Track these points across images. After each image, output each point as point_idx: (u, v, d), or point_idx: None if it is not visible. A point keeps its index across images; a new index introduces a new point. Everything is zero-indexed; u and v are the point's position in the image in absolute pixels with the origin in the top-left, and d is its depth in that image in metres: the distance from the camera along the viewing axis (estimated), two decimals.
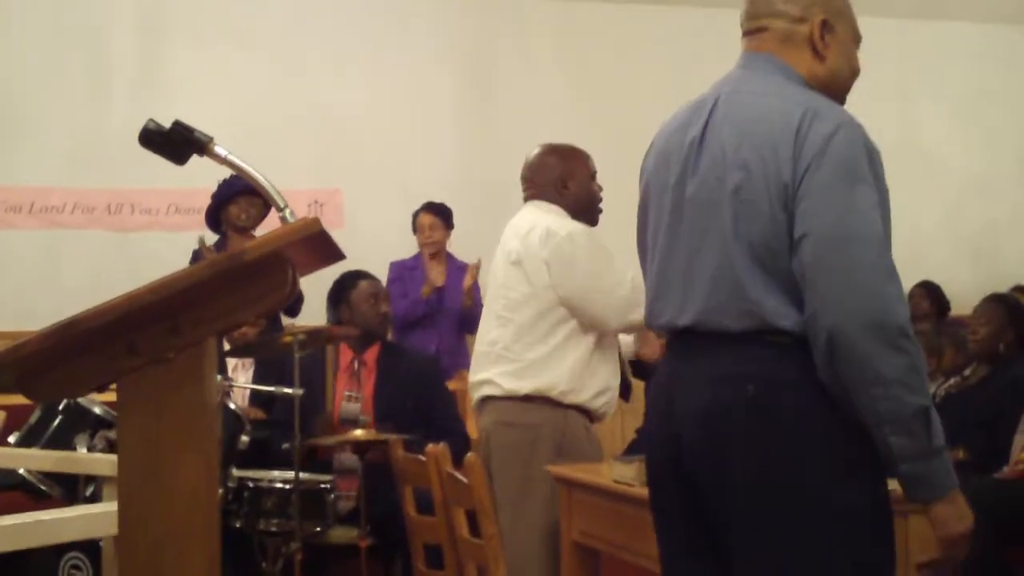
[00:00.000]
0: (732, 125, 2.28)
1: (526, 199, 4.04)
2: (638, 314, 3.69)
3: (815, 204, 2.15)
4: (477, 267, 6.57)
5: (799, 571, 2.19)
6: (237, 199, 5.97)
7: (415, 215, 6.87)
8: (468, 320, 6.73)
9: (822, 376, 2.15)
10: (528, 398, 3.81)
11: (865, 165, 2.19)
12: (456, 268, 6.82)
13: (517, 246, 3.87)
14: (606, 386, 3.86)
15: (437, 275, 6.72)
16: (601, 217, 4.07)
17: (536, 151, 4.08)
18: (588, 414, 3.86)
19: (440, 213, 6.84)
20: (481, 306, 6.61)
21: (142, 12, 7.20)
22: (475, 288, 6.64)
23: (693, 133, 2.35)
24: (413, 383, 5.05)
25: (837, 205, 2.15)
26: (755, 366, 2.20)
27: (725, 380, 2.23)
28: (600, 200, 4.04)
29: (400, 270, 6.74)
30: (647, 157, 2.53)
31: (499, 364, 3.88)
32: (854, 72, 2.44)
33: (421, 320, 6.60)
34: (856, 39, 2.44)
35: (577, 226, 3.87)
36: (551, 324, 3.81)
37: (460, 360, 6.53)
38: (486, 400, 3.93)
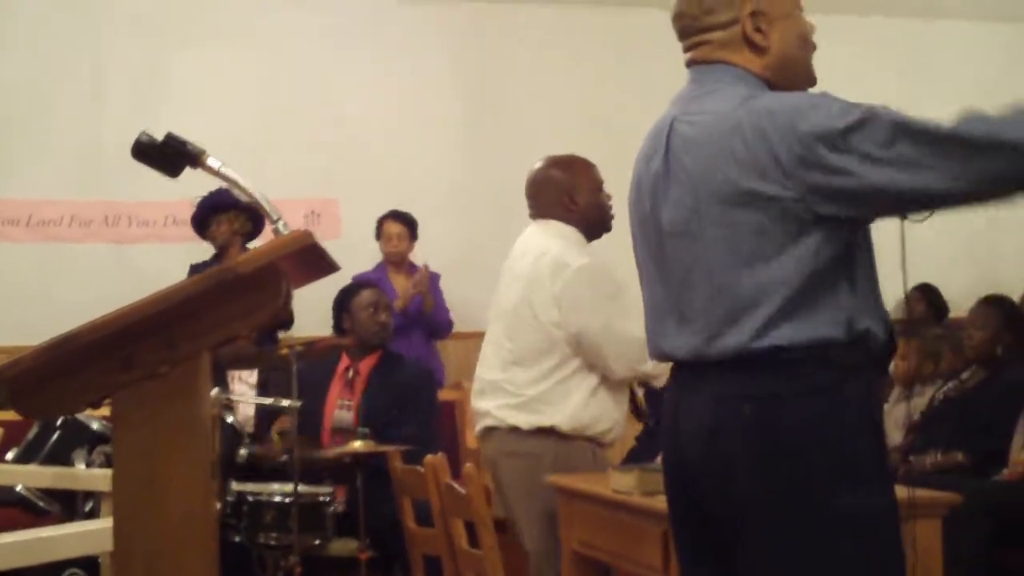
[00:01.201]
0: (691, 152, 2.24)
1: (532, 216, 3.92)
2: (648, 365, 3.67)
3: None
4: (424, 273, 6.56)
5: None
6: (215, 216, 5.97)
7: (380, 222, 6.83)
8: (433, 327, 6.74)
9: None
10: (531, 432, 3.76)
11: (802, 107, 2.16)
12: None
13: (527, 272, 3.77)
14: (612, 423, 3.80)
15: (402, 283, 6.70)
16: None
17: (538, 166, 3.95)
18: (595, 441, 3.82)
19: (407, 222, 6.82)
20: (444, 310, 6.69)
21: (139, 24, 7.18)
22: (435, 292, 6.66)
23: (656, 163, 2.32)
24: (400, 393, 5.04)
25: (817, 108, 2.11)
26: (751, 386, 2.18)
27: (723, 401, 2.22)
28: (610, 209, 3.90)
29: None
30: (630, 193, 2.48)
31: (499, 396, 3.80)
32: (803, 38, 2.34)
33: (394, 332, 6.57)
34: (799, 3, 2.35)
35: (587, 258, 3.75)
36: (554, 359, 3.73)
37: (434, 366, 6.52)
38: (489, 430, 3.86)
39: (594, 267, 3.73)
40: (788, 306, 2.16)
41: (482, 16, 7.70)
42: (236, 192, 2.08)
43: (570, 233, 3.82)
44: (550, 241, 3.78)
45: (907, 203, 2.13)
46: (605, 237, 3.96)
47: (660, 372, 3.68)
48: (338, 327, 5.27)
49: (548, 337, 3.72)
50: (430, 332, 6.79)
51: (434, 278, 6.80)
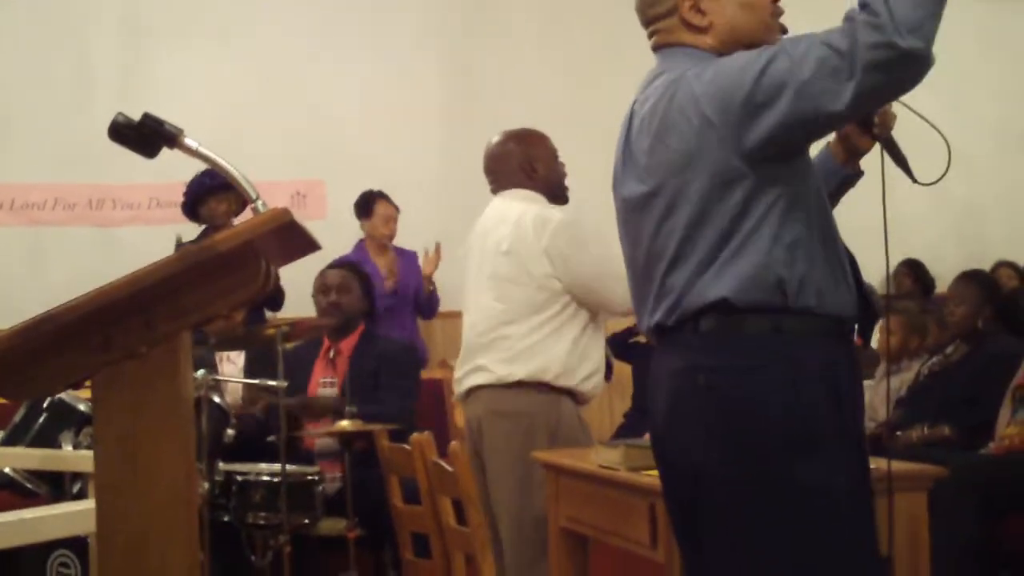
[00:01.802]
0: (641, 132, 2.32)
1: (495, 191, 4.01)
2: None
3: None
4: (437, 250, 6.56)
5: (769, 552, 2.18)
6: (208, 197, 5.95)
7: (371, 202, 6.80)
8: (426, 307, 6.74)
9: None
10: (520, 384, 3.78)
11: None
12: (404, 257, 6.79)
13: (507, 234, 3.83)
14: (596, 368, 3.87)
15: (384, 265, 6.69)
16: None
17: (495, 140, 4.06)
18: (576, 397, 3.84)
19: (393, 204, 6.82)
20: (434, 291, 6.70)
21: (125, 11, 7.16)
22: (409, 270, 6.67)
23: (619, 146, 2.41)
24: (378, 366, 5.07)
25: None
26: (704, 355, 2.22)
27: (678, 373, 2.26)
28: (565, 178, 4.03)
29: None
30: None
31: (492, 351, 3.84)
32: (754, 6, 2.35)
33: (381, 313, 6.55)
34: None
35: (565, 213, 3.87)
36: (546, 311, 3.80)
37: (421, 350, 6.52)
38: (474, 390, 3.88)
39: (572, 219, 3.86)
40: (729, 271, 2.18)
41: (471, 10, 7.69)
42: (216, 170, 2.07)
43: (538, 197, 3.93)
44: (524, 204, 3.88)
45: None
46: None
47: None
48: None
49: (542, 290, 3.80)
50: (420, 312, 6.78)
51: (412, 257, 6.79)
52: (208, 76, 7.20)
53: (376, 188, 6.94)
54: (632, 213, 2.35)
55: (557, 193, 3.98)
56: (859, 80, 2.04)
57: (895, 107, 2.40)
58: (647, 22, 2.44)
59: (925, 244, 7.57)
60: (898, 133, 2.32)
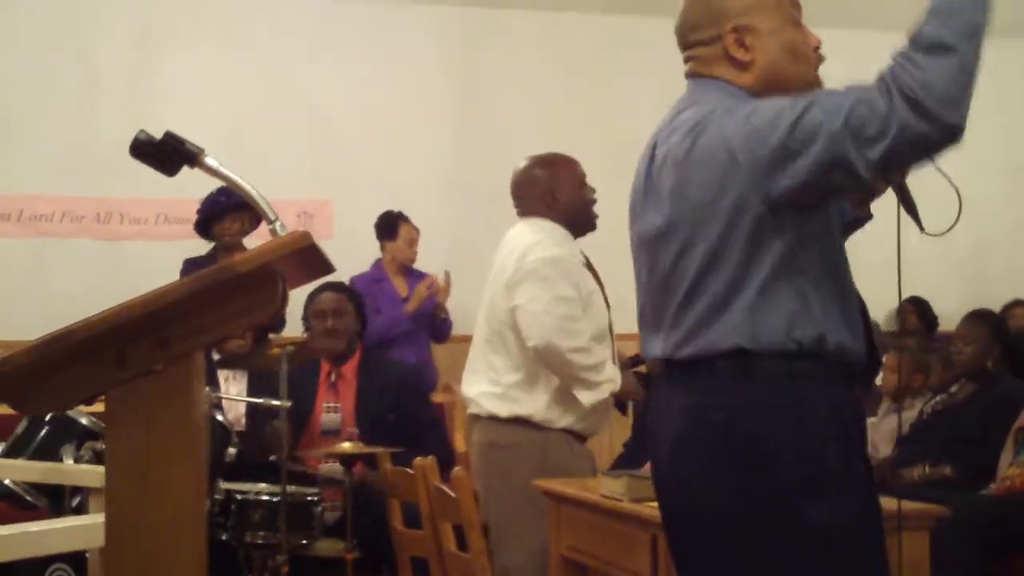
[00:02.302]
0: (665, 164, 2.28)
1: (519, 215, 4.01)
2: (570, 341, 3.72)
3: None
4: (446, 280, 6.57)
5: None
6: (223, 216, 5.97)
7: (395, 225, 6.80)
8: (439, 331, 6.73)
9: None
10: (509, 420, 3.81)
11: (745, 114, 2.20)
12: (418, 279, 6.79)
13: (500, 265, 3.88)
14: (586, 412, 3.83)
15: (402, 287, 6.69)
16: (596, 232, 4.05)
17: (522, 165, 4.04)
18: (574, 434, 3.85)
19: (414, 225, 6.83)
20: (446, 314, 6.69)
21: (132, 20, 7.18)
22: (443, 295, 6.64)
23: (642, 169, 2.37)
24: (395, 394, 5.04)
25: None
26: (718, 394, 2.21)
27: (691, 410, 2.24)
28: (593, 203, 3.99)
29: (367, 284, 6.59)
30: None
31: (483, 383, 3.89)
32: (796, 52, 2.34)
33: (399, 335, 6.56)
34: (791, 17, 2.35)
35: (554, 252, 3.81)
36: (516, 346, 3.80)
37: (433, 372, 6.52)
38: (474, 418, 3.94)
39: (554, 258, 3.79)
40: (744, 316, 2.18)
41: (474, 20, 7.72)
42: (234, 190, 2.08)
43: (552, 228, 3.90)
44: (529, 236, 3.87)
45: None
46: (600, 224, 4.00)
47: (588, 363, 3.77)
48: (307, 330, 5.27)
49: (503, 327, 3.81)
50: (433, 335, 6.77)
51: (426, 279, 6.80)
52: (215, 92, 7.21)
53: (381, 207, 6.96)
54: (650, 245, 2.33)
55: (579, 221, 3.96)
56: (889, 144, 2.04)
57: None
58: (686, 46, 2.39)
59: (929, 282, 7.57)
60: (909, 177, 2.32)
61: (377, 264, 6.79)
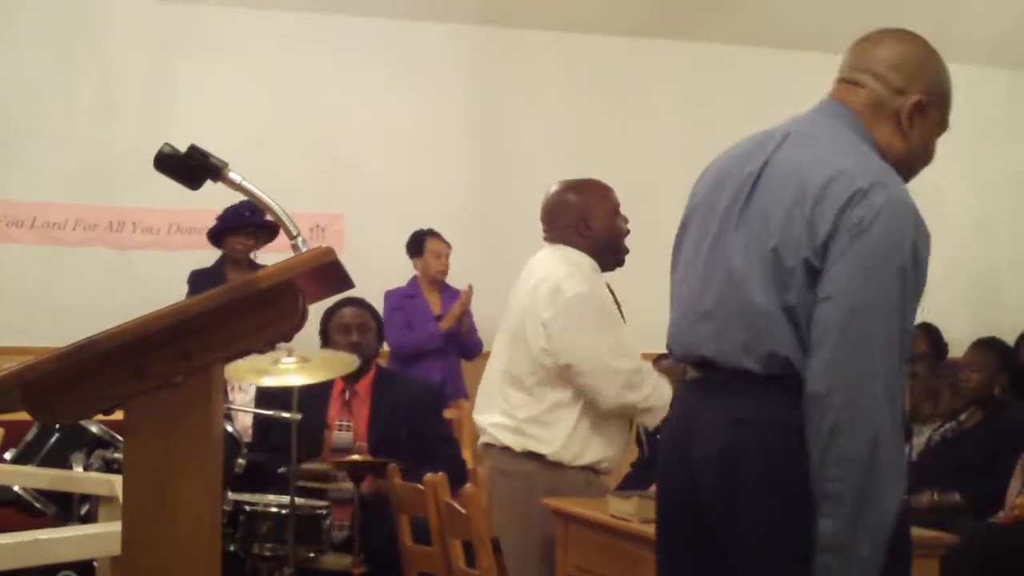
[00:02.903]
0: (791, 170, 2.25)
1: (547, 240, 3.87)
2: (634, 396, 3.67)
3: (847, 267, 2.14)
4: (469, 293, 6.58)
5: None
6: (240, 231, 5.99)
7: (421, 240, 6.86)
8: (466, 348, 6.74)
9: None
10: (523, 454, 3.76)
11: (904, 252, 2.17)
12: (452, 296, 6.82)
13: (528, 296, 3.74)
14: (602, 456, 3.77)
15: (435, 303, 6.72)
16: None
17: (554, 189, 3.90)
18: (589, 469, 3.81)
19: (444, 240, 6.86)
20: (475, 331, 6.68)
21: (148, 31, 7.21)
22: (468, 314, 6.66)
23: (752, 167, 2.31)
24: (408, 412, 5.04)
25: (869, 280, 2.14)
26: (774, 411, 2.20)
27: (744, 424, 2.22)
28: (626, 235, 3.87)
29: (400, 299, 6.71)
30: (700, 179, 2.49)
31: (496, 412, 3.80)
32: (928, 158, 2.41)
33: (430, 352, 6.59)
34: (942, 127, 2.42)
35: (587, 287, 3.70)
36: (543, 385, 3.71)
37: (460, 386, 6.53)
38: (487, 446, 3.87)
39: (590, 297, 3.69)
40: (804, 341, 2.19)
41: (493, 39, 7.74)
42: (258, 205, 2.09)
43: (580, 260, 3.78)
44: (557, 267, 3.75)
45: None
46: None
47: (650, 404, 3.71)
48: (324, 346, 5.27)
49: (536, 364, 3.70)
50: (462, 352, 6.78)
51: (457, 295, 6.81)
52: (231, 104, 7.24)
53: (394, 225, 6.99)
54: (736, 243, 2.28)
55: (610, 252, 3.83)
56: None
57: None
58: (865, 69, 2.36)
59: (939, 308, 7.56)
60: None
61: (413, 280, 6.87)
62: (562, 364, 3.65)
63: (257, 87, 7.32)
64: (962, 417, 5.30)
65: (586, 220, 3.80)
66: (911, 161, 2.37)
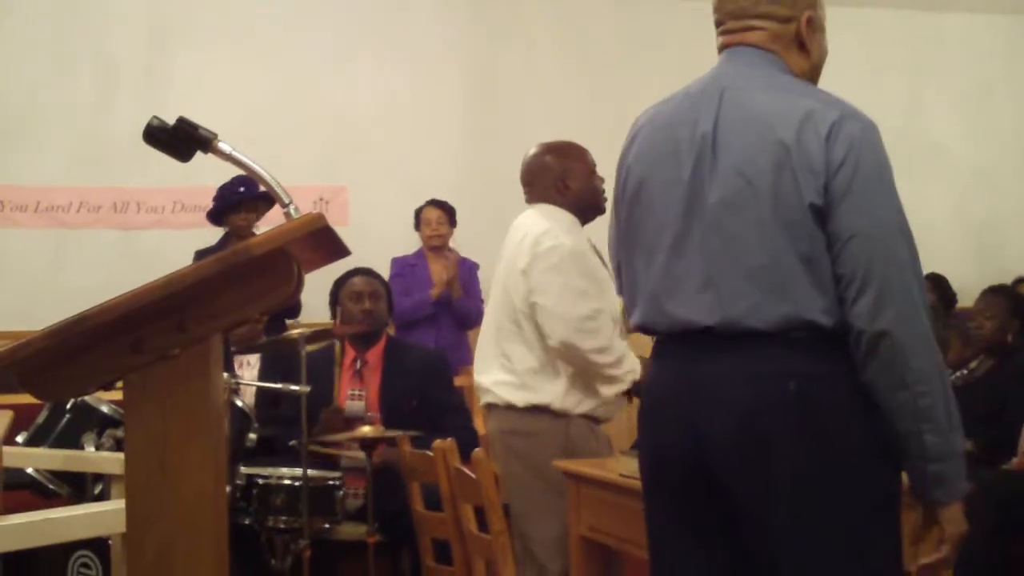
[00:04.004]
0: (751, 123, 2.26)
1: (528, 201, 4.01)
2: (588, 343, 3.71)
3: (859, 203, 2.18)
4: (454, 259, 6.59)
5: (850, 558, 2.21)
6: (239, 207, 5.99)
7: (419, 210, 6.89)
8: (464, 316, 6.74)
9: (863, 375, 2.19)
10: (527, 409, 3.80)
11: (889, 166, 2.25)
12: (466, 267, 6.81)
13: (511, 253, 3.86)
14: (601, 400, 3.84)
15: (438, 270, 6.71)
16: (605, 219, 4.03)
17: (532, 151, 4.04)
18: (590, 418, 3.85)
19: (446, 209, 6.87)
20: (476, 299, 6.69)
21: (148, 11, 7.20)
22: (474, 279, 6.66)
23: (703, 128, 2.30)
24: (418, 380, 5.05)
25: (881, 205, 2.20)
26: (794, 362, 2.21)
27: (765, 377, 2.21)
28: (603, 193, 3.96)
29: (402, 266, 6.74)
30: (630, 148, 2.48)
31: (496, 371, 3.87)
32: (824, 56, 2.47)
33: (422, 319, 6.59)
34: (822, 19, 2.47)
35: (569, 240, 3.79)
36: (534, 335, 3.79)
37: (462, 355, 6.52)
38: (489, 406, 3.93)
39: (563, 248, 3.77)
40: (832, 287, 2.20)
41: (487, 6, 7.71)
42: (249, 175, 2.08)
43: (562, 216, 3.89)
44: (537, 222, 3.86)
45: None
46: (604, 218, 3.99)
47: (613, 371, 3.76)
48: (334, 316, 5.29)
49: (520, 314, 3.80)
50: (458, 321, 6.78)
51: (472, 267, 6.81)
52: (231, 80, 7.23)
53: (396, 196, 6.99)
54: (719, 207, 2.27)
55: (588, 210, 3.96)
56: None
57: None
58: (755, 15, 2.40)
59: (945, 258, 7.55)
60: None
61: (420, 250, 6.86)
62: (530, 303, 3.75)
63: (258, 63, 7.30)
64: (972, 365, 5.29)
65: (564, 180, 3.94)
66: (818, 68, 2.45)
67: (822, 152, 2.19)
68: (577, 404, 3.79)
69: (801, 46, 2.40)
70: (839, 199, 2.18)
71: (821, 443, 2.19)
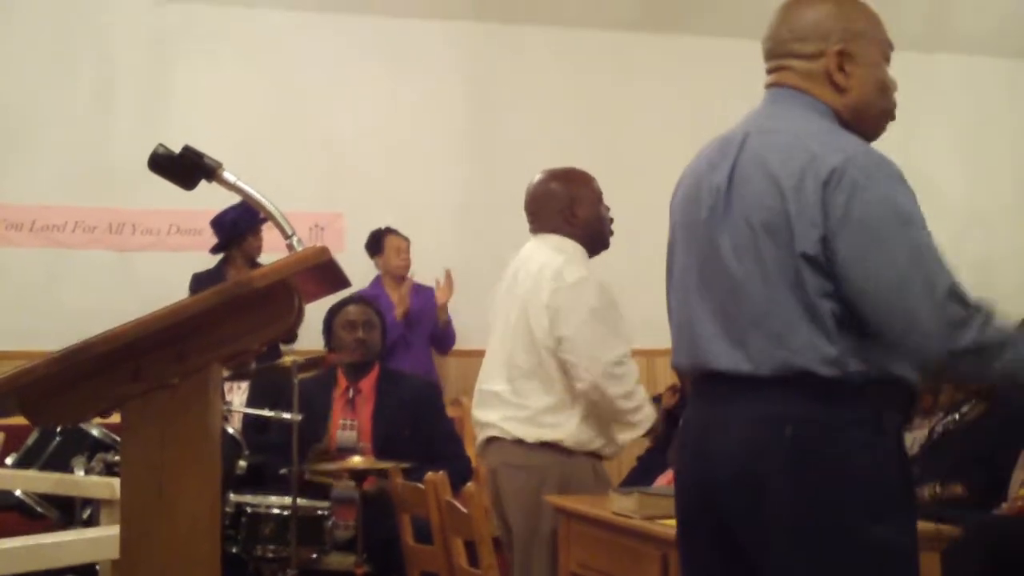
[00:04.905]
0: (761, 167, 2.25)
1: (533, 231, 3.91)
2: (614, 389, 3.68)
3: (858, 258, 2.15)
4: (448, 277, 6.57)
5: None
6: (247, 234, 6.01)
7: (380, 238, 6.88)
8: (440, 340, 6.74)
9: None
10: (537, 445, 3.75)
11: (899, 201, 2.20)
12: (421, 293, 6.80)
13: (527, 286, 3.76)
14: (613, 437, 3.81)
15: (398, 300, 6.69)
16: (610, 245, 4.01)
17: (538, 178, 3.93)
18: (596, 455, 3.82)
19: (402, 236, 6.88)
20: (450, 324, 6.68)
21: (146, 33, 7.21)
22: (422, 304, 6.69)
23: (720, 175, 2.31)
24: (410, 410, 5.04)
25: (881, 258, 2.16)
26: (793, 407, 2.19)
27: (763, 421, 2.22)
28: (610, 222, 3.91)
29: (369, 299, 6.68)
30: (675, 195, 2.50)
31: (504, 408, 3.79)
32: (884, 89, 2.39)
33: (394, 344, 6.57)
34: (885, 54, 2.41)
35: (585, 272, 3.74)
36: (556, 371, 3.72)
37: (435, 380, 6.52)
38: (492, 440, 3.85)
39: (589, 282, 3.72)
40: (833, 334, 2.18)
41: (487, 35, 7.74)
42: (252, 205, 2.08)
43: (570, 247, 3.81)
44: (551, 255, 3.77)
45: None
46: (612, 242, 3.97)
47: (633, 416, 3.74)
48: (328, 346, 5.28)
49: (545, 347, 3.71)
50: (435, 346, 6.78)
51: (429, 293, 6.80)
52: (230, 105, 7.23)
53: (393, 221, 6.99)
54: (729, 251, 2.28)
55: (597, 239, 3.87)
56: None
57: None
58: (783, 54, 2.38)
59: None
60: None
61: (376, 280, 6.83)
62: (556, 338, 3.67)
63: (255, 87, 7.32)
64: (964, 409, 5.28)
65: (572, 208, 3.84)
66: (869, 104, 2.37)
67: (818, 202, 2.15)
68: (588, 442, 3.74)
69: (832, 82, 2.34)
70: (841, 251, 2.15)
71: (816, 492, 2.17)
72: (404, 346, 6.56)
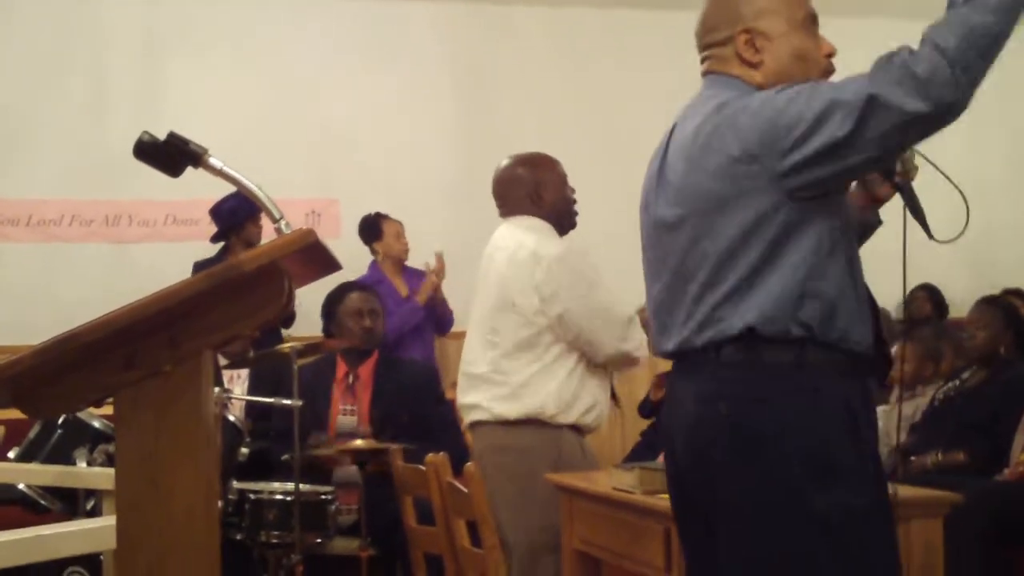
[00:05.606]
0: (679, 151, 2.36)
1: (502, 215, 3.99)
2: (627, 345, 3.80)
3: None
4: (439, 260, 6.57)
5: None
6: (246, 223, 6.01)
7: (377, 224, 6.82)
8: (441, 322, 6.74)
9: None
10: (519, 422, 3.78)
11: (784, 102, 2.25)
12: (413, 276, 6.79)
13: (504, 267, 3.82)
14: (594, 401, 3.83)
15: (401, 287, 6.68)
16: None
17: (504, 164, 4.02)
18: (579, 430, 3.84)
19: (397, 220, 6.85)
20: (446, 305, 6.68)
21: (139, 24, 7.19)
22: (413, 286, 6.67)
23: (655, 165, 2.46)
24: (408, 395, 5.04)
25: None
26: (728, 384, 2.25)
27: (703, 400, 2.29)
28: (574, 203, 3.99)
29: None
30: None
31: (487, 388, 3.83)
32: (804, 57, 2.41)
33: (415, 329, 6.57)
34: (804, 21, 2.43)
35: (563, 246, 3.82)
36: (536, 347, 3.77)
37: (434, 365, 6.52)
38: (476, 424, 3.89)
39: (571, 253, 3.81)
40: (758, 300, 2.22)
41: (477, 16, 7.71)
42: (240, 190, 2.08)
43: (541, 226, 3.89)
44: (524, 235, 3.84)
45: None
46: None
47: (638, 355, 3.86)
48: (327, 332, 5.27)
49: (530, 326, 3.76)
50: (436, 327, 6.78)
51: (422, 276, 6.80)
52: (224, 94, 7.22)
53: (388, 206, 6.97)
54: (662, 234, 2.38)
55: (564, 220, 3.95)
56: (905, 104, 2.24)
57: (916, 159, 2.46)
58: (703, 47, 2.51)
59: (938, 269, 7.55)
60: (917, 178, 2.34)
61: (373, 266, 6.79)
62: (557, 315, 3.73)
63: (248, 77, 7.30)
64: (965, 376, 5.29)
65: (538, 191, 3.93)
66: (784, 76, 2.37)
67: (723, 131, 2.26)
68: (567, 408, 3.77)
69: (743, 60, 2.42)
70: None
71: (751, 466, 2.21)
72: (415, 332, 6.56)
